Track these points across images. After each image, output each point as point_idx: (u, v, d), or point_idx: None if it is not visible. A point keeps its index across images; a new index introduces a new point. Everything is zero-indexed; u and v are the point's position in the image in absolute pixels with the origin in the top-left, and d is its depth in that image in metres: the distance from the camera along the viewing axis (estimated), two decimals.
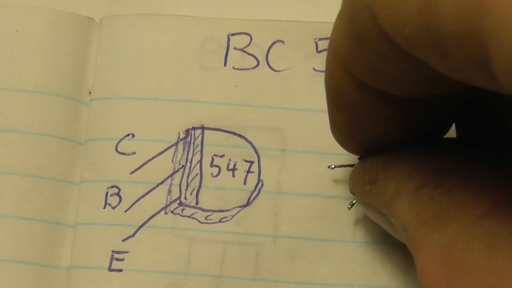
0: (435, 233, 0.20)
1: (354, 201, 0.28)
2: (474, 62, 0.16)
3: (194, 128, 0.31)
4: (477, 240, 0.19)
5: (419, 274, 0.20)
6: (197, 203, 0.30)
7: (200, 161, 0.30)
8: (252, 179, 0.30)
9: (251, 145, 0.30)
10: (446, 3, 0.15)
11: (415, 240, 0.21)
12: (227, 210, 0.30)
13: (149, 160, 0.30)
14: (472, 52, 0.15)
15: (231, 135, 0.31)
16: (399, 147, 0.24)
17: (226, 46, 0.31)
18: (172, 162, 0.30)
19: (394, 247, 0.29)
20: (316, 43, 0.31)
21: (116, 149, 0.31)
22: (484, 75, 0.16)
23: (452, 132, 0.26)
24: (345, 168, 0.29)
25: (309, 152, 0.30)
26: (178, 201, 0.30)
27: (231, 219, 0.30)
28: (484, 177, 0.21)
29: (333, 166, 0.29)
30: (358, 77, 0.21)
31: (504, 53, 0.15)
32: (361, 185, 0.25)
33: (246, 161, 0.30)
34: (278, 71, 0.31)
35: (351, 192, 0.27)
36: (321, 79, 0.31)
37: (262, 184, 0.30)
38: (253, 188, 0.30)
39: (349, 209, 0.29)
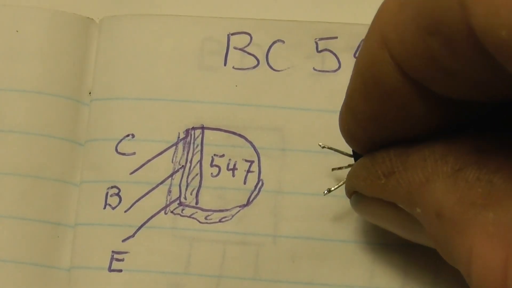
0: (489, 213, 0.20)
1: (333, 188, 0.28)
2: None
3: (194, 128, 0.31)
4: None
5: (468, 256, 0.20)
6: (197, 203, 0.30)
7: (200, 161, 0.30)
8: (252, 178, 0.30)
9: (251, 145, 0.30)
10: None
11: (460, 222, 0.20)
12: (227, 210, 0.30)
13: (149, 160, 0.30)
14: None
15: (231, 134, 0.31)
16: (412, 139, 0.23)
17: (226, 45, 0.31)
18: (172, 162, 0.30)
19: (394, 247, 0.29)
20: (316, 43, 0.31)
21: (116, 150, 0.31)
22: None
23: None
24: (346, 169, 0.29)
25: (309, 151, 0.30)
26: (178, 201, 0.30)
27: (231, 219, 0.30)
28: None
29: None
30: (408, 72, 0.20)
31: None
32: (372, 180, 0.24)
33: (246, 160, 0.30)
34: (278, 70, 0.31)
35: (349, 192, 0.26)
36: (321, 79, 0.31)
37: (262, 184, 0.30)
38: (253, 187, 0.30)
39: (324, 195, 0.28)
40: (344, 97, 0.24)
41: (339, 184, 0.28)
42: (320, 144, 0.29)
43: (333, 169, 0.29)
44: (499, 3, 0.16)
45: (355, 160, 0.26)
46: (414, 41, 0.19)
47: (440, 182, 0.21)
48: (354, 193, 0.26)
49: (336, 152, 0.29)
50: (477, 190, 0.20)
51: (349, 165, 0.28)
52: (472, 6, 0.17)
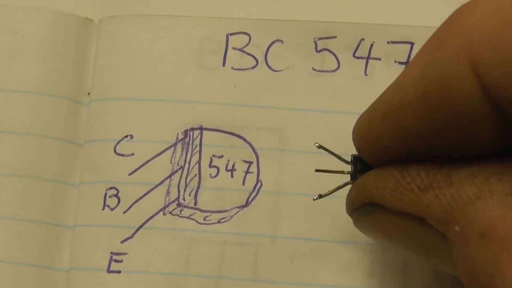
0: None
1: (324, 193, 0.27)
2: None
3: (192, 129, 0.31)
4: None
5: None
6: (195, 204, 0.30)
7: (199, 162, 0.30)
8: (251, 179, 0.30)
9: (250, 146, 0.30)
10: None
11: (506, 243, 0.19)
12: (225, 211, 0.30)
13: (148, 161, 0.30)
14: None
15: (230, 135, 0.30)
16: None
17: (225, 46, 0.31)
18: (171, 163, 0.30)
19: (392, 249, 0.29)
20: (315, 43, 0.31)
21: (115, 150, 0.31)
22: None
23: None
24: (346, 168, 0.29)
25: (308, 152, 0.30)
26: (176, 202, 0.30)
27: (230, 219, 0.30)
28: None
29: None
30: (496, 97, 0.19)
31: None
32: (402, 193, 0.23)
33: (245, 161, 0.30)
34: (277, 71, 0.31)
35: (359, 202, 0.25)
36: (320, 78, 0.31)
37: (261, 185, 0.30)
38: (252, 188, 0.30)
39: (314, 200, 0.27)
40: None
41: (331, 190, 0.27)
42: (316, 144, 0.28)
43: (316, 170, 0.27)
44: None
45: (355, 167, 0.25)
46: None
47: (494, 200, 0.20)
48: (366, 205, 0.24)
49: (316, 147, 0.28)
50: None
51: (340, 171, 0.27)
52: None
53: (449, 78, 0.20)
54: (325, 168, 0.28)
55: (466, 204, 0.21)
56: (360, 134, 0.24)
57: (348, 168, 0.26)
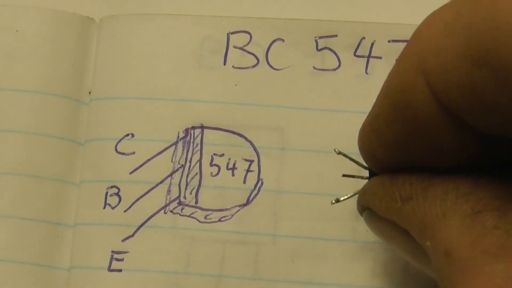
0: (500, 264, 0.19)
1: (342, 198, 0.27)
2: None
3: (193, 128, 0.31)
4: None
5: None
6: (196, 202, 0.30)
7: (200, 161, 0.30)
8: (252, 178, 0.30)
9: (250, 144, 0.30)
10: None
11: (468, 267, 0.20)
12: (226, 209, 0.30)
13: (149, 160, 0.30)
14: None
15: (231, 134, 0.30)
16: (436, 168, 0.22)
17: (225, 44, 0.31)
18: (172, 161, 0.30)
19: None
20: (316, 41, 0.31)
21: (116, 149, 0.31)
22: None
23: None
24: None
25: (309, 150, 0.30)
26: (177, 201, 0.30)
27: (230, 218, 0.30)
28: None
29: (333, 201, 0.27)
30: (446, 102, 0.19)
31: None
32: (388, 202, 0.23)
33: (245, 160, 0.30)
34: (278, 69, 0.31)
35: (362, 206, 0.25)
36: (321, 77, 0.31)
37: (262, 183, 0.30)
38: (253, 187, 0.30)
39: (332, 204, 0.27)
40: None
41: (349, 195, 0.27)
42: (335, 149, 0.28)
43: (343, 175, 0.28)
44: None
45: (370, 174, 0.25)
46: (457, 71, 0.18)
47: (456, 220, 0.20)
48: (367, 209, 0.25)
49: (334, 153, 0.29)
50: (492, 238, 0.20)
51: (360, 176, 0.27)
52: None
53: (406, 88, 0.20)
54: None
55: (435, 220, 0.21)
56: (358, 142, 0.24)
57: (366, 173, 0.26)
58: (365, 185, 0.25)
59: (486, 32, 0.18)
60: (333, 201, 0.27)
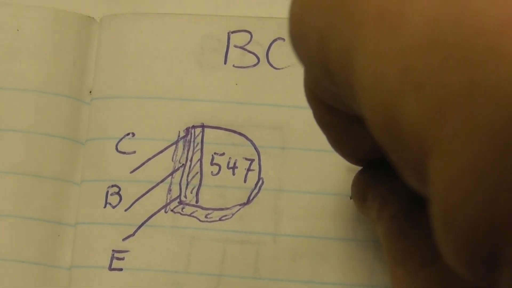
0: (400, 269, 0.20)
1: None
2: (357, 106, 0.16)
3: (194, 127, 0.31)
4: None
5: None
6: (197, 201, 0.30)
7: (200, 160, 0.30)
8: (253, 177, 0.30)
9: (251, 143, 0.30)
10: (332, 47, 0.16)
11: (389, 271, 0.21)
12: (227, 209, 0.30)
13: (149, 159, 0.30)
14: (352, 96, 0.16)
15: (231, 133, 0.30)
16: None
17: (226, 44, 0.31)
18: (172, 160, 0.30)
19: None
20: None
21: (117, 148, 0.31)
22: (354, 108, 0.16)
23: None
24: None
25: (310, 149, 0.30)
26: (178, 200, 0.30)
27: (231, 217, 0.30)
28: None
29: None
30: (322, 100, 0.21)
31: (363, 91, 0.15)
32: (356, 199, 0.25)
33: (246, 159, 0.30)
34: (279, 68, 0.31)
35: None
36: None
37: (263, 182, 0.30)
38: (254, 186, 0.30)
39: (351, 199, 0.28)
40: None
41: None
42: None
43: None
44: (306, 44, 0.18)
45: None
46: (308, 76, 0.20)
47: (383, 224, 0.22)
48: None
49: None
50: (397, 245, 0.21)
51: None
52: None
53: (307, 99, 0.22)
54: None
55: (376, 223, 0.22)
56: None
57: None
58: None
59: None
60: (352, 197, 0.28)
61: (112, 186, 0.30)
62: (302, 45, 0.18)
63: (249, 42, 0.31)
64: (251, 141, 0.30)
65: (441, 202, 0.14)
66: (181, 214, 0.30)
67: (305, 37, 0.17)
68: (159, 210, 0.30)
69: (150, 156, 0.30)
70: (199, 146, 0.30)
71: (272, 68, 0.31)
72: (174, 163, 0.30)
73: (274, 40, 0.31)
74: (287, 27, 0.19)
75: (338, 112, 0.20)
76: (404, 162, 0.15)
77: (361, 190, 0.24)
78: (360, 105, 0.15)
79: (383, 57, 0.14)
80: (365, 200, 0.24)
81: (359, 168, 0.26)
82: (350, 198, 0.28)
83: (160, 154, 0.30)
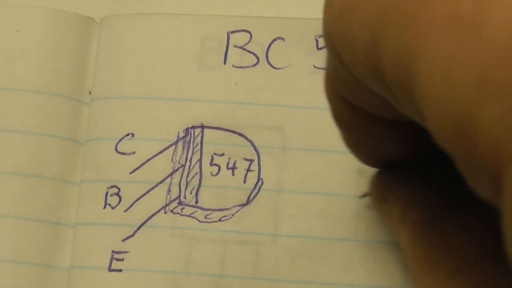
0: (426, 277, 0.20)
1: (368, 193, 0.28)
2: (414, 109, 0.16)
3: (193, 127, 0.31)
4: None
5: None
6: (196, 202, 0.30)
7: (200, 160, 0.30)
8: (252, 177, 0.30)
9: (251, 144, 0.30)
10: (388, 49, 0.16)
11: (413, 278, 0.20)
12: (226, 209, 0.30)
13: (149, 160, 0.30)
14: (409, 99, 0.16)
15: (231, 133, 0.30)
16: (412, 164, 0.23)
17: (226, 44, 0.31)
18: (172, 161, 0.30)
19: (395, 246, 0.28)
20: (317, 40, 0.31)
21: (116, 149, 0.31)
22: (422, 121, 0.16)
23: None
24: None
25: (310, 150, 0.30)
26: (177, 200, 0.30)
27: (231, 218, 0.30)
28: (474, 226, 0.20)
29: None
30: (346, 99, 0.21)
31: (430, 103, 0.15)
32: (377, 202, 0.25)
33: (246, 159, 0.30)
34: (278, 68, 0.31)
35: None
36: (322, 76, 0.31)
37: (262, 183, 0.30)
38: (253, 186, 0.30)
39: (359, 198, 0.29)
40: None
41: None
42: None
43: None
44: (351, 43, 0.17)
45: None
46: (333, 74, 0.20)
47: (407, 228, 0.22)
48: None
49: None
50: (423, 250, 0.20)
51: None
52: (336, 42, 0.18)
53: (328, 97, 0.22)
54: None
55: (398, 225, 0.22)
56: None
57: None
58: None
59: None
60: (360, 196, 0.29)
61: (112, 186, 0.30)
62: (343, 43, 0.17)
63: (248, 42, 0.31)
64: (250, 141, 0.30)
65: None
66: (180, 214, 0.30)
67: (349, 35, 0.17)
68: (158, 211, 0.30)
69: (150, 156, 0.30)
70: (198, 147, 0.30)
71: (271, 68, 0.31)
72: (174, 164, 0.30)
73: (274, 40, 0.31)
74: (323, 23, 0.19)
75: (363, 112, 0.20)
76: (477, 171, 0.14)
77: (381, 192, 0.24)
78: (424, 109, 0.15)
79: (457, 64, 0.14)
80: (386, 201, 0.24)
81: (370, 169, 0.26)
82: (360, 198, 0.28)
83: (160, 155, 0.30)
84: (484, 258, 0.19)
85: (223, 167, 0.30)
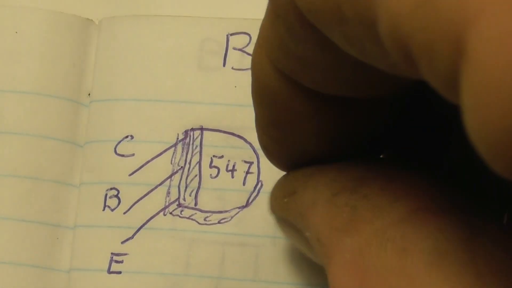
0: (347, 239, 0.19)
1: None
2: (365, 27, 0.15)
3: (193, 129, 0.31)
4: (390, 243, 0.18)
5: (331, 284, 0.19)
6: (196, 204, 0.30)
7: (199, 162, 0.30)
8: (252, 180, 0.30)
9: (250, 146, 0.30)
10: None
11: (327, 248, 0.20)
12: (226, 211, 0.30)
13: (148, 162, 0.30)
14: (363, 15, 0.14)
15: (230, 135, 0.30)
16: (326, 161, 0.23)
17: (225, 46, 0.31)
18: (171, 163, 0.30)
19: None
20: None
21: (115, 151, 0.30)
22: (374, 43, 0.15)
23: None
24: None
25: None
26: (177, 203, 0.30)
27: (230, 220, 0.30)
28: (405, 184, 0.20)
29: None
30: (279, 67, 0.20)
31: (386, 10, 0.13)
32: (280, 199, 0.24)
33: (245, 161, 0.30)
34: None
35: (271, 212, 0.25)
36: None
37: (262, 185, 0.30)
38: (253, 189, 0.30)
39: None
40: None
41: None
42: None
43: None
44: None
45: None
46: (270, 30, 0.19)
47: (321, 206, 0.21)
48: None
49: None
50: (342, 216, 0.20)
51: None
52: None
53: (255, 64, 0.21)
54: None
55: (307, 210, 0.21)
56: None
57: None
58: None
59: None
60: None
61: (111, 189, 0.30)
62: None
63: (248, 44, 0.31)
64: (250, 143, 0.30)
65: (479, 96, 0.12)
66: (180, 217, 0.30)
67: None
68: (157, 213, 0.30)
69: (149, 158, 0.30)
70: (198, 149, 0.30)
71: None
72: (173, 166, 0.30)
73: None
74: None
75: (292, 83, 0.20)
76: (435, 43, 0.13)
77: (288, 186, 0.23)
78: (380, 25, 0.14)
79: None
80: (293, 193, 0.23)
81: None
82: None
83: (159, 157, 0.30)
84: (415, 211, 0.19)
85: (223, 169, 0.30)
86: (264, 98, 0.21)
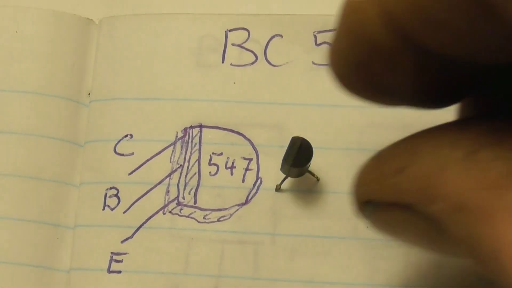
0: (510, 193, 0.17)
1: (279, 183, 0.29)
2: None
3: (192, 127, 0.30)
4: None
5: (498, 248, 0.17)
6: (195, 202, 0.30)
7: (198, 160, 0.30)
8: (251, 176, 0.30)
9: (249, 142, 0.30)
10: None
11: (480, 210, 0.17)
12: (225, 209, 0.29)
13: (147, 161, 0.30)
14: None
15: (229, 132, 0.30)
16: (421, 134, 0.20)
17: (224, 42, 0.31)
18: (170, 161, 0.30)
19: (395, 244, 0.28)
20: (315, 36, 0.31)
21: (115, 150, 0.30)
22: None
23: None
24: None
25: None
26: (176, 201, 0.30)
27: (229, 217, 0.29)
28: None
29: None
30: (399, 25, 0.18)
31: None
32: (381, 182, 0.21)
33: (244, 158, 0.30)
34: (277, 66, 0.31)
35: (360, 203, 0.22)
36: (320, 72, 0.30)
37: (261, 182, 0.30)
38: (252, 186, 0.30)
39: (276, 191, 0.29)
40: None
41: (284, 177, 0.29)
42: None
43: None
44: None
45: None
46: None
47: (454, 170, 0.18)
48: (366, 203, 0.22)
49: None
50: (496, 171, 0.17)
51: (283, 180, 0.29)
52: None
53: (360, 11, 0.18)
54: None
55: (434, 178, 0.19)
56: (333, 73, 0.22)
57: None
58: (355, 178, 0.22)
59: None
60: (278, 186, 0.29)
61: (111, 188, 0.30)
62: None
63: (246, 40, 0.31)
64: (249, 140, 0.30)
65: None
66: (179, 215, 0.30)
67: None
68: (157, 212, 0.30)
69: (148, 157, 0.30)
70: (197, 147, 0.30)
71: (270, 66, 0.31)
72: (172, 164, 0.30)
73: (272, 37, 0.31)
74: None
75: (408, 41, 0.18)
76: None
77: (389, 165, 0.20)
78: None
79: None
80: (401, 170, 0.20)
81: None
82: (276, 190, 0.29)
83: (158, 155, 0.30)
84: None
85: (222, 166, 0.30)
86: (359, 43, 0.19)
